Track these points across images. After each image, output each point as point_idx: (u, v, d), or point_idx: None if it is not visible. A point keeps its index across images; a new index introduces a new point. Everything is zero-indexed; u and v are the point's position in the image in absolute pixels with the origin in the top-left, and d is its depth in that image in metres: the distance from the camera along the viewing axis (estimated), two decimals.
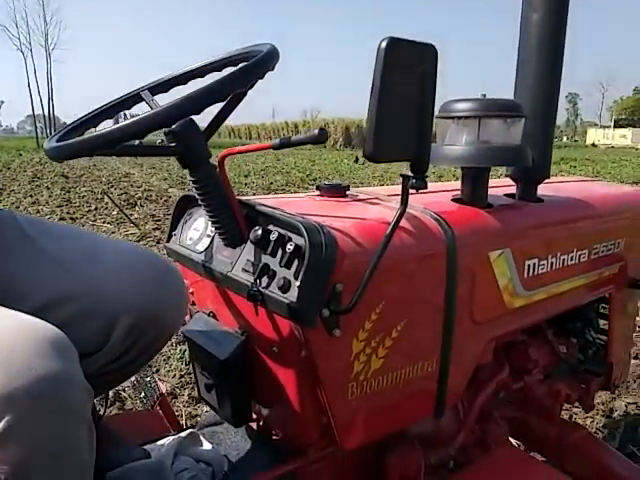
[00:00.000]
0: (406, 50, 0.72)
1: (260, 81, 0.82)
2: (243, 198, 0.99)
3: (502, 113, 1.05)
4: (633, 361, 2.85)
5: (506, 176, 1.29)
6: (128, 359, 0.77)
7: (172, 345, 2.96)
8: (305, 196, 1.16)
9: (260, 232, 0.87)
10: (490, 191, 1.27)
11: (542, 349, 1.37)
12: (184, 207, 1.15)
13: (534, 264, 1.14)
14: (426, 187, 0.80)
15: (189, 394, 2.44)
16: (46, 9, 46.86)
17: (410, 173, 0.80)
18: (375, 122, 0.71)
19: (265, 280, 0.86)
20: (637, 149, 35.14)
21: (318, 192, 1.14)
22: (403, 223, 0.95)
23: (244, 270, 0.91)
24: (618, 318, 1.50)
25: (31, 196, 8.64)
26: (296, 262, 0.83)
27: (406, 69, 0.72)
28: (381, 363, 0.92)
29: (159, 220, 6.60)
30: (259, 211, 0.92)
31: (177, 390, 2.50)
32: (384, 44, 0.69)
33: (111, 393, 2.42)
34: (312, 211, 0.95)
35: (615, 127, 51.58)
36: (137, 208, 7.69)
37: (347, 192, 1.14)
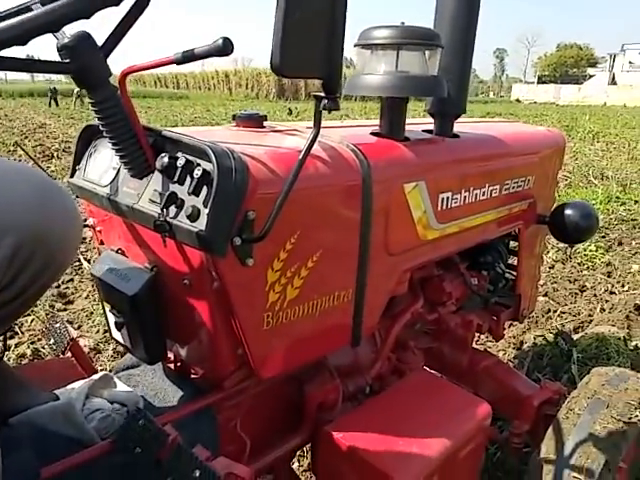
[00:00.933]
0: None
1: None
2: (149, 125, 0.93)
3: (420, 42, 1.04)
4: (541, 298, 3.08)
5: (424, 111, 1.30)
6: (17, 289, 0.71)
7: (95, 300, 2.85)
8: (221, 127, 1.11)
9: (167, 159, 0.83)
10: (410, 127, 1.27)
11: (455, 282, 1.44)
12: (88, 138, 1.07)
13: (447, 198, 1.17)
14: (338, 108, 0.79)
15: (114, 349, 2.37)
16: None
17: (322, 93, 0.78)
18: (282, 32, 0.67)
19: (173, 210, 0.82)
20: (557, 105, 36.90)
21: (234, 123, 1.10)
22: (319, 153, 0.93)
23: (151, 201, 0.87)
24: (526, 253, 1.60)
25: None
26: (205, 189, 0.79)
27: None
28: (297, 293, 0.92)
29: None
30: (166, 137, 0.87)
31: (101, 345, 2.43)
32: None
33: (29, 351, 2.32)
34: (225, 139, 0.91)
35: (539, 83, 53.64)
36: (54, 160, 7.18)
37: (264, 123, 1.10)
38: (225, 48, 0.68)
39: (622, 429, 1.18)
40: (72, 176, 1.08)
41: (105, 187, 0.97)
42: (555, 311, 2.91)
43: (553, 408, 1.38)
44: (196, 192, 0.80)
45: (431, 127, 1.28)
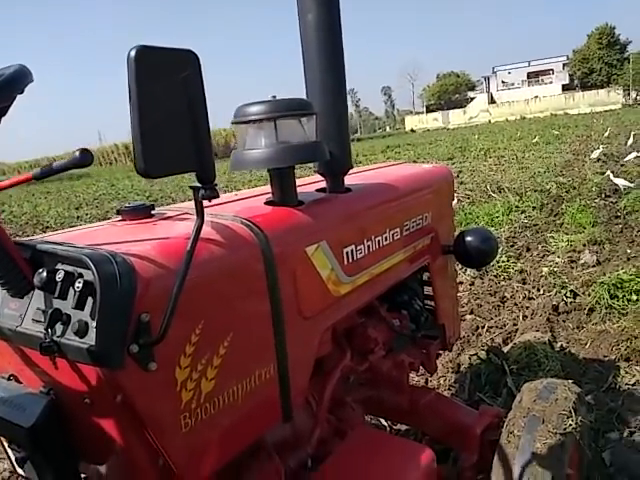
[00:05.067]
0: (161, 58, 0.68)
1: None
2: (22, 239, 0.87)
3: (295, 112, 1.07)
4: (469, 316, 3.20)
5: (315, 172, 1.33)
6: None
7: None
8: (106, 223, 1.06)
9: (45, 274, 0.77)
10: (304, 188, 1.29)
11: (379, 327, 1.44)
12: None
13: (352, 251, 1.19)
14: (217, 196, 0.78)
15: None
16: None
17: (198, 184, 0.77)
18: (140, 136, 0.66)
19: (60, 327, 0.76)
20: (448, 129, 39.74)
21: (120, 217, 1.05)
22: (212, 235, 0.91)
23: (35, 321, 0.80)
24: (440, 283, 1.65)
25: None
26: (90, 300, 0.74)
27: (165, 78, 0.68)
28: (213, 385, 0.87)
29: None
30: (41, 250, 0.81)
31: None
32: (133, 53, 0.65)
33: None
34: (108, 239, 0.87)
35: (427, 112, 57.62)
36: None
37: (153, 212, 1.07)
38: (84, 159, 0.65)
39: (560, 441, 1.22)
40: None
41: None
42: (483, 327, 3.02)
43: (495, 433, 1.40)
44: (80, 305, 0.74)
45: (324, 184, 1.31)
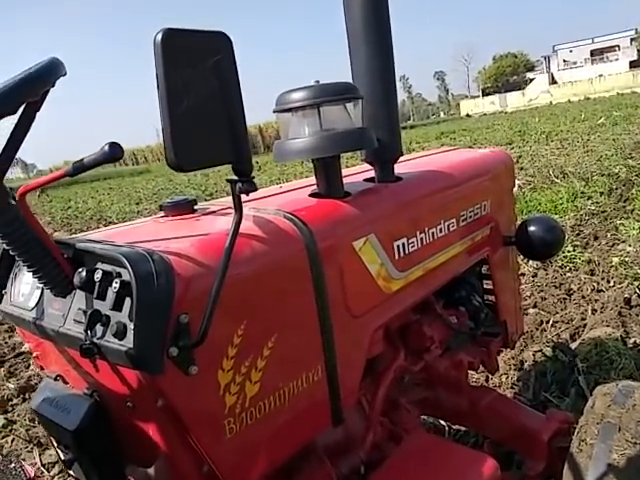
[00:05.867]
0: (190, 41, 0.63)
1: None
2: (64, 238, 0.85)
3: (339, 97, 1.00)
4: (532, 310, 3.02)
5: (362, 160, 1.26)
6: None
7: None
8: (148, 219, 1.04)
9: (84, 274, 0.75)
10: (350, 178, 1.23)
11: (435, 324, 1.36)
12: (9, 261, 0.98)
13: (403, 244, 1.11)
14: (255, 189, 0.73)
15: None
16: None
17: (235, 177, 0.72)
18: (170, 126, 0.62)
19: (99, 329, 0.74)
20: (506, 112, 38.22)
21: (163, 213, 1.03)
22: (254, 231, 0.87)
23: (76, 321, 0.78)
24: (500, 277, 1.54)
25: None
26: (128, 301, 0.71)
27: (195, 62, 0.63)
28: (258, 388, 0.83)
29: None
30: (81, 249, 0.80)
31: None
32: (159, 37, 0.60)
33: None
34: (148, 236, 0.84)
35: (483, 95, 55.59)
36: None
37: (195, 207, 1.04)
38: (114, 152, 0.62)
39: None
40: None
41: (31, 311, 0.89)
42: (548, 321, 2.84)
43: (565, 439, 1.29)
44: (118, 306, 0.72)
45: (373, 173, 1.24)
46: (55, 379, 0.92)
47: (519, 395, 2.23)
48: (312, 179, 1.28)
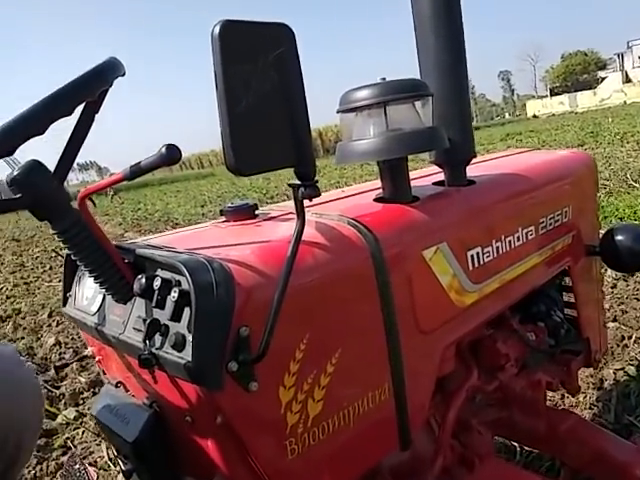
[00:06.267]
0: (250, 34, 0.59)
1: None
2: (125, 243, 0.84)
3: (407, 95, 0.94)
4: (612, 324, 2.79)
5: (430, 162, 1.18)
6: None
7: None
8: (209, 224, 1.02)
9: (144, 280, 0.73)
10: (417, 182, 1.15)
11: (510, 340, 1.25)
12: (74, 265, 0.99)
13: (478, 253, 1.02)
14: (319, 194, 0.68)
15: None
16: None
17: (297, 181, 0.67)
18: (229, 127, 0.57)
19: (158, 338, 0.71)
20: (576, 113, 36.38)
21: (223, 217, 1.00)
22: (316, 238, 0.82)
23: (135, 329, 0.76)
24: (583, 290, 1.41)
25: None
26: (187, 312, 0.68)
27: (255, 57, 0.59)
28: (321, 407, 0.78)
29: None
30: (140, 255, 0.77)
31: None
32: (217, 30, 0.56)
33: None
34: (208, 242, 0.81)
35: (552, 95, 53.14)
36: None
37: (256, 211, 1.00)
38: (172, 154, 0.59)
39: None
40: (64, 304, 1.00)
41: (94, 315, 0.88)
42: (630, 337, 2.61)
43: None
44: (177, 316, 0.68)
45: (442, 176, 1.16)
46: (116, 386, 0.91)
47: (599, 417, 2.05)
48: (376, 182, 1.21)
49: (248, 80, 0.58)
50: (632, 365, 2.29)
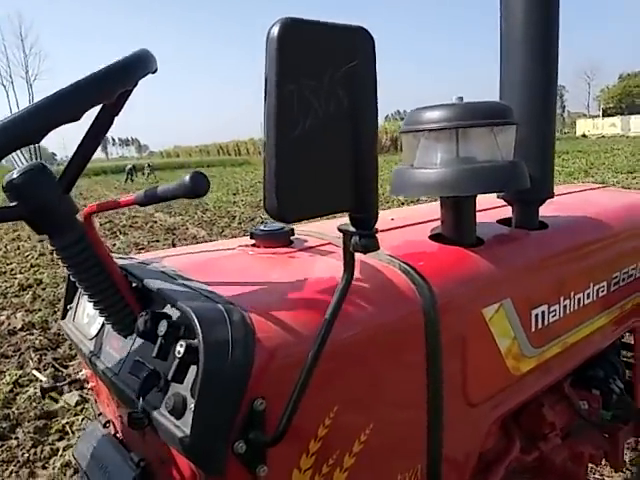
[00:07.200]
0: (318, 39, 0.45)
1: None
2: (134, 263, 0.71)
3: (487, 121, 0.78)
4: None
5: (498, 195, 1.02)
6: None
7: None
8: (237, 247, 0.88)
9: (148, 319, 0.60)
10: (478, 216, 1.00)
11: (558, 407, 1.09)
12: None
13: (543, 312, 0.87)
14: (376, 248, 0.53)
15: None
16: (25, 40, 46.86)
17: (352, 228, 0.53)
18: (276, 158, 0.44)
19: (155, 396, 0.58)
20: (628, 137, 35.00)
21: (253, 241, 0.86)
22: (359, 283, 0.68)
23: (132, 374, 0.63)
24: None
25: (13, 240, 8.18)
26: (193, 371, 0.55)
27: (323, 69, 0.45)
28: None
29: (142, 248, 6.30)
30: (147, 287, 0.65)
31: None
32: (276, 31, 0.42)
33: None
34: (232, 277, 0.68)
35: (604, 116, 51.34)
36: (120, 236, 7.38)
37: (292, 237, 0.86)
38: (196, 186, 0.45)
39: None
40: (63, 317, 0.89)
41: (91, 340, 0.77)
42: None
43: None
44: (179, 377, 0.55)
45: (508, 212, 1.00)
46: (105, 425, 0.79)
47: None
48: (430, 209, 1.06)
49: (308, 98, 0.44)
50: None
